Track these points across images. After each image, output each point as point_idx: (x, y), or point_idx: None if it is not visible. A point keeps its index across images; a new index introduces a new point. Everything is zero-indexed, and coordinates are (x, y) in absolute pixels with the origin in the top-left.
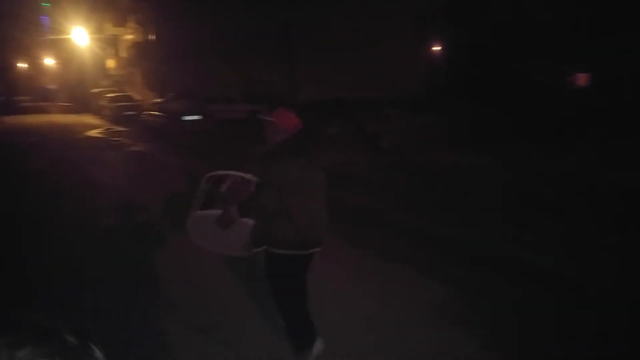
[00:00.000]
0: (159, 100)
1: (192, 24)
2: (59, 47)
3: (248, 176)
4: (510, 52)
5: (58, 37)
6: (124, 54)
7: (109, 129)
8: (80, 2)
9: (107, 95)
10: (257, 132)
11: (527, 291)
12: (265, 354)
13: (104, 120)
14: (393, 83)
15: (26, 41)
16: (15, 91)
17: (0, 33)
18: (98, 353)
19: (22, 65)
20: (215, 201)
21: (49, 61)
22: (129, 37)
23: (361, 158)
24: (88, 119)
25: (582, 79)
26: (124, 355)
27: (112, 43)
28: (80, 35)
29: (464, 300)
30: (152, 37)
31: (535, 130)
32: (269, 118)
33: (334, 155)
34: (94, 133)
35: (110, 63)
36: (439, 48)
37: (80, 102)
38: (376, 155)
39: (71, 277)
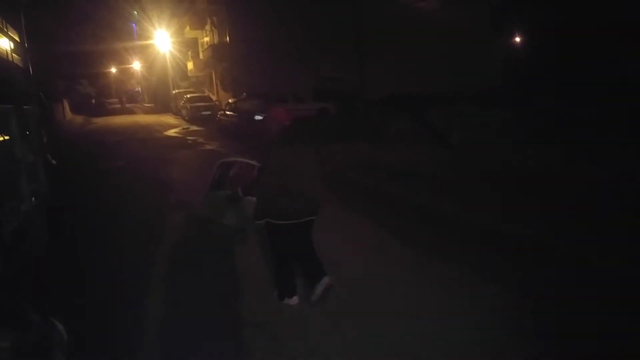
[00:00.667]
0: (232, 100)
1: (265, 24)
2: (144, 52)
3: (252, 162)
4: (602, 41)
5: (143, 42)
6: (201, 56)
7: (186, 128)
8: (164, 7)
9: (185, 96)
10: (324, 129)
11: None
12: (308, 350)
13: (182, 120)
14: (466, 77)
15: (117, 47)
16: (105, 94)
17: (94, 41)
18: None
19: (112, 70)
20: (226, 183)
21: (135, 65)
22: (206, 39)
23: (428, 155)
24: (168, 119)
25: None
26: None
27: (191, 46)
28: (162, 39)
29: (524, 304)
30: (227, 39)
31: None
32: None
33: (400, 151)
34: (172, 132)
35: (189, 65)
36: (519, 39)
37: (162, 103)
38: (444, 152)
39: (139, 269)
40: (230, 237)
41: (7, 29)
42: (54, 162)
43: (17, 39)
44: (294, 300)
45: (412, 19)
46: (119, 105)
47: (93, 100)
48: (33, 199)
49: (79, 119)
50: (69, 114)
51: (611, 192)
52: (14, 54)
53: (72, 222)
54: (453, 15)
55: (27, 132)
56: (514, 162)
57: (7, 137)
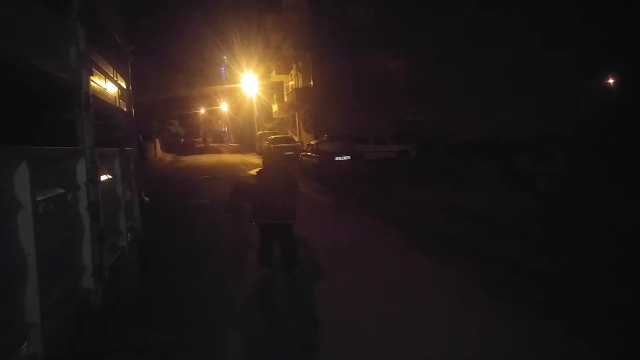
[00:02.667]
0: (314, 141)
1: (348, 68)
2: (232, 94)
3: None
4: None
5: (231, 85)
6: (286, 98)
7: None
8: (252, 53)
9: (269, 137)
10: (404, 171)
11: None
12: None
13: None
14: (553, 121)
15: (206, 90)
16: (194, 134)
17: (186, 85)
18: None
19: (201, 111)
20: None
21: (223, 107)
22: (291, 83)
23: (511, 201)
24: (252, 158)
25: None
26: None
27: (276, 89)
28: (249, 83)
29: None
30: (310, 82)
31: None
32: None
33: (481, 197)
34: (254, 172)
35: (274, 107)
36: (611, 83)
37: (247, 143)
38: (529, 199)
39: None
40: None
41: (116, 76)
42: (147, 199)
43: (124, 85)
44: (264, 269)
45: (497, 62)
46: (202, 145)
47: (182, 140)
48: (129, 235)
49: (168, 157)
50: (159, 152)
51: None
52: (120, 100)
53: (163, 256)
54: (539, 57)
55: (127, 172)
56: (605, 212)
57: (110, 177)
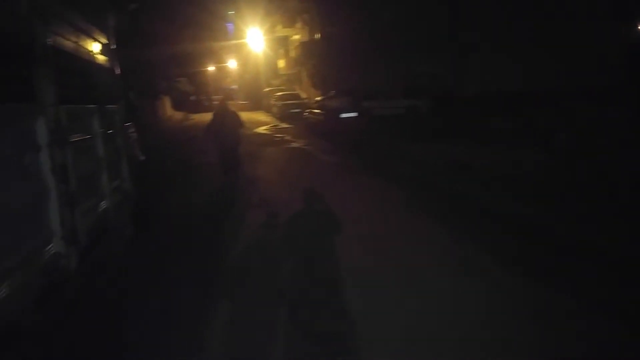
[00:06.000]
0: (319, 98)
1: (356, 20)
2: (239, 51)
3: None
4: None
5: (238, 41)
6: (292, 53)
7: (275, 126)
8: (257, 7)
9: (276, 93)
10: (414, 128)
11: None
12: None
13: (272, 117)
14: (579, 71)
15: (214, 47)
16: (203, 92)
17: (194, 42)
18: None
19: (210, 68)
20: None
21: (231, 64)
22: (297, 37)
23: (527, 158)
24: (259, 116)
25: None
26: None
27: (282, 44)
28: (255, 38)
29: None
30: (317, 36)
31: None
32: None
33: (495, 153)
34: (261, 130)
35: (281, 63)
36: None
37: (254, 100)
38: (548, 155)
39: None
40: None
41: (92, 31)
42: (142, 157)
43: (105, 40)
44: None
45: (514, 8)
46: (207, 104)
47: (192, 98)
48: (114, 195)
49: (178, 115)
50: (169, 110)
51: None
52: (99, 56)
53: (157, 217)
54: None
55: (110, 131)
56: (628, 170)
57: (88, 136)
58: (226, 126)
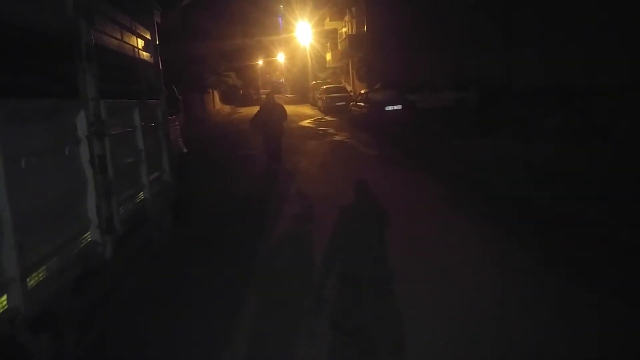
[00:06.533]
0: (364, 90)
1: (403, 13)
2: (288, 44)
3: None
4: None
5: (287, 35)
6: (339, 46)
7: (320, 119)
8: (306, 0)
9: (322, 87)
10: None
11: None
12: None
13: (318, 110)
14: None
15: (263, 41)
16: (251, 85)
17: (243, 36)
18: None
19: (259, 62)
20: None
21: (279, 57)
22: (345, 30)
23: (582, 154)
24: (305, 109)
25: None
26: None
27: (330, 37)
28: (303, 31)
29: None
30: (364, 28)
31: None
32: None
33: (547, 149)
34: (306, 123)
35: (328, 56)
36: None
37: (301, 93)
38: (603, 150)
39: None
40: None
41: (136, 27)
42: (185, 150)
43: (148, 37)
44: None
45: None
46: (255, 97)
47: (240, 91)
48: (154, 186)
49: (227, 108)
50: (218, 104)
51: None
52: (142, 51)
53: (198, 207)
54: None
55: (152, 124)
56: None
57: (128, 129)
58: (271, 119)
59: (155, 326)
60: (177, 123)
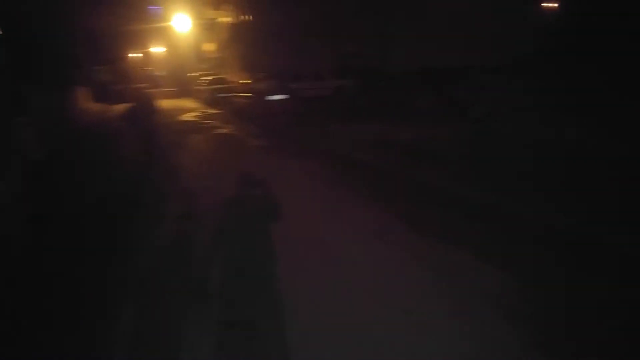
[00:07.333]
0: (247, 81)
1: (285, 3)
2: (166, 35)
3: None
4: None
5: (164, 24)
6: (221, 37)
7: (203, 111)
8: None
9: (204, 78)
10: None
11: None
12: None
13: (200, 103)
14: (495, 48)
15: (138, 30)
16: (126, 81)
17: (115, 26)
18: None
19: (133, 55)
20: None
21: (156, 49)
22: (225, 19)
23: (447, 131)
24: (187, 102)
25: None
26: None
27: (210, 27)
28: (181, 21)
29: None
30: (246, 18)
31: None
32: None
33: (416, 129)
34: (187, 117)
35: (209, 47)
36: (553, 4)
37: (182, 86)
38: (463, 127)
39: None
40: None
41: None
42: (37, 156)
43: None
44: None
45: None
46: (130, 93)
47: (113, 87)
48: None
49: (98, 107)
50: (88, 102)
51: None
52: None
53: (60, 214)
54: None
55: None
56: (538, 136)
57: None
58: (143, 114)
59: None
60: (27, 126)
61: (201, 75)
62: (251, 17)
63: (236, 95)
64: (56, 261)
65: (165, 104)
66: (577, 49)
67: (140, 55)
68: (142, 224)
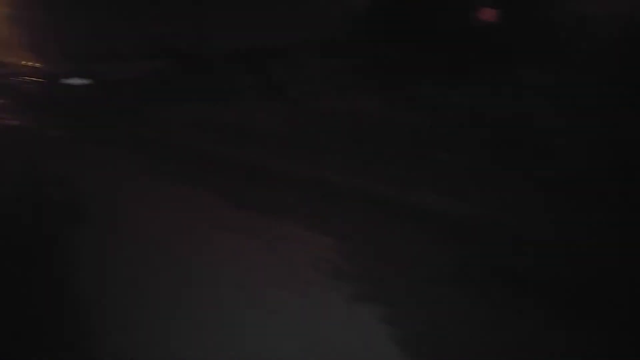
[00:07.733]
0: (37, 63)
1: None
2: None
3: None
4: None
5: None
6: (1, 10)
7: None
8: None
9: None
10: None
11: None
12: None
13: None
14: (308, 27)
15: None
16: None
17: None
18: None
19: None
20: None
21: None
22: None
23: (263, 111)
24: None
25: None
26: None
27: None
28: None
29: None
30: None
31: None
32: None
33: (236, 109)
34: None
35: None
36: None
37: None
38: (281, 106)
39: None
40: None
41: None
42: None
43: None
44: None
45: None
46: None
47: None
48: None
49: None
50: None
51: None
52: None
53: None
54: None
55: None
56: (342, 109)
57: None
58: None
59: None
60: None
61: None
62: None
63: (23, 81)
64: None
65: None
66: (385, 33)
67: None
68: None
